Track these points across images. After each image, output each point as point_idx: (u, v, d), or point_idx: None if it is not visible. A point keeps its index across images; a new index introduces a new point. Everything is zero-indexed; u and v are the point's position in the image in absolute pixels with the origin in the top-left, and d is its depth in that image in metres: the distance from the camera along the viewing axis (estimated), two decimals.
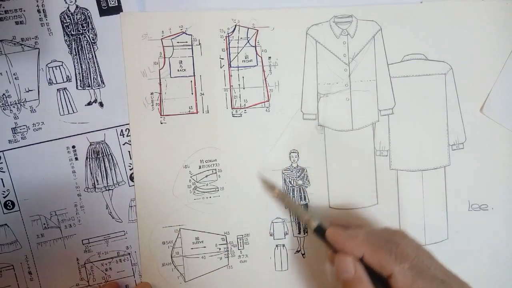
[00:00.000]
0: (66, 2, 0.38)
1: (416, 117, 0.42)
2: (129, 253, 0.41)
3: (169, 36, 0.40)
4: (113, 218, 0.41)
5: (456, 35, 0.43)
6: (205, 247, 0.41)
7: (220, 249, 0.41)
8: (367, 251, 0.34)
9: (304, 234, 0.42)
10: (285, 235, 0.42)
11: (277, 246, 0.42)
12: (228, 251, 0.41)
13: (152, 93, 0.40)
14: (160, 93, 0.40)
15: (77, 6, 0.39)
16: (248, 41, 0.41)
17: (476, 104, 0.43)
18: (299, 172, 0.42)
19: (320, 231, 0.37)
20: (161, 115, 0.40)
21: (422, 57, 0.42)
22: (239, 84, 0.41)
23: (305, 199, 0.42)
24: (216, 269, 0.42)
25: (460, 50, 0.43)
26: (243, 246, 0.42)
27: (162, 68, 0.40)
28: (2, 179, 0.39)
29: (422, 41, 0.42)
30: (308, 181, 0.42)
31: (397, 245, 0.33)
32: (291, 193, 0.42)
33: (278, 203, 0.41)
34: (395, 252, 0.33)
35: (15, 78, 0.38)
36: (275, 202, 0.41)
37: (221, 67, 0.41)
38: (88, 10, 0.39)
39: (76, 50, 0.39)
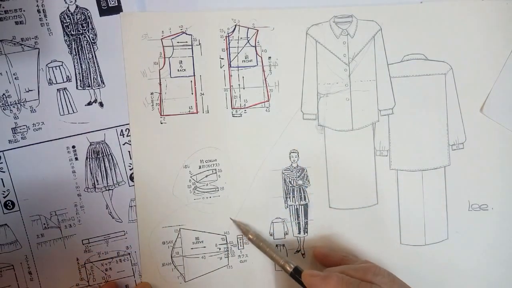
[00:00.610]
0: (66, 2, 0.39)
1: (416, 117, 0.43)
2: (129, 253, 0.42)
3: (169, 36, 0.41)
4: (113, 218, 0.41)
5: (456, 35, 0.43)
6: (205, 247, 0.42)
7: (220, 249, 0.42)
8: None
9: (304, 234, 0.43)
10: (285, 235, 0.43)
11: (277, 246, 0.43)
12: (228, 251, 0.42)
13: (152, 93, 0.41)
14: (160, 93, 0.41)
15: (77, 6, 0.39)
16: (248, 41, 0.42)
17: (476, 104, 0.44)
18: (299, 172, 0.43)
19: (296, 274, 0.38)
20: (161, 115, 0.41)
21: (422, 57, 0.43)
22: (239, 84, 0.42)
23: (305, 199, 0.43)
24: (216, 269, 0.42)
25: (460, 50, 0.43)
26: (243, 246, 0.42)
27: (162, 68, 0.41)
28: (2, 179, 0.40)
29: (422, 41, 0.43)
30: (308, 181, 0.43)
31: (370, 285, 0.34)
32: (291, 193, 0.43)
33: (253, 246, 0.42)
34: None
35: (15, 78, 0.39)
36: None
37: (221, 67, 0.42)
38: (88, 10, 0.39)
39: (76, 50, 0.40)
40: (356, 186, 0.43)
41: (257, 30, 0.42)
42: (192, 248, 0.42)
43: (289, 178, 0.43)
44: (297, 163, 0.43)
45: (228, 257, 0.42)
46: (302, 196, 0.43)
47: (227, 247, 0.42)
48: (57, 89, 0.40)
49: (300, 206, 0.43)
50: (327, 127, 0.43)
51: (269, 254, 0.40)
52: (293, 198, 0.43)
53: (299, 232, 0.43)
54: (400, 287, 0.35)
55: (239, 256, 0.43)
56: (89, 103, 0.40)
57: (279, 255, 0.40)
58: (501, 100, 0.44)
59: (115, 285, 0.42)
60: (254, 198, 0.42)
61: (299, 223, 0.43)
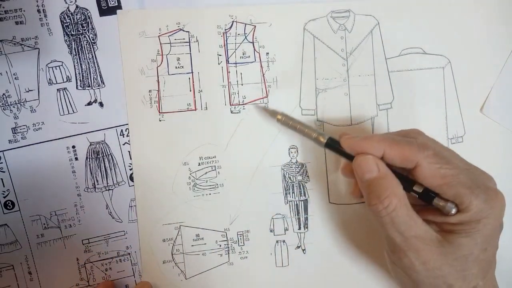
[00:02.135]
0: (66, 2, 0.42)
1: (415, 111, 0.46)
2: (129, 253, 0.45)
3: (166, 33, 0.43)
4: (113, 218, 0.44)
5: (454, 28, 0.47)
6: (205, 244, 0.45)
7: (220, 245, 0.45)
8: (387, 147, 0.35)
9: (305, 229, 0.46)
10: (285, 231, 0.46)
11: (277, 242, 0.46)
12: (228, 247, 0.45)
13: (150, 91, 0.44)
14: (158, 91, 0.44)
15: (77, 6, 0.42)
16: (245, 37, 0.45)
17: (475, 98, 0.47)
18: (299, 168, 0.46)
19: (332, 144, 0.39)
20: (159, 112, 0.44)
21: (419, 51, 0.46)
22: (237, 81, 0.45)
23: (304, 194, 0.46)
24: (216, 265, 0.45)
25: (459, 44, 0.47)
26: (244, 243, 0.46)
27: (160, 65, 0.44)
28: (2, 179, 0.42)
29: (419, 35, 0.46)
30: (308, 176, 0.46)
31: (416, 138, 0.36)
32: (290, 189, 0.46)
33: (283, 128, 0.43)
34: (416, 143, 0.35)
35: (15, 78, 0.42)
36: (281, 127, 0.44)
37: (219, 64, 0.45)
38: (88, 10, 0.42)
39: (76, 50, 0.42)
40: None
41: (255, 26, 0.45)
42: (192, 245, 0.45)
43: (288, 174, 0.46)
44: (297, 159, 0.46)
45: (228, 253, 0.45)
46: (302, 192, 0.46)
47: (228, 244, 0.45)
48: (57, 89, 0.42)
49: (300, 201, 0.46)
50: (326, 122, 0.46)
51: (301, 130, 0.41)
52: (293, 194, 0.46)
53: (299, 228, 0.46)
54: (444, 147, 0.36)
55: (239, 252, 0.46)
56: (89, 103, 0.43)
57: (311, 129, 0.41)
58: (501, 100, 0.47)
59: (111, 285, 0.44)
60: (254, 194, 0.45)
61: (299, 218, 0.46)
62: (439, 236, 0.35)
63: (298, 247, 0.47)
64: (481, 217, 0.33)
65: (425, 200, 0.36)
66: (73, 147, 0.43)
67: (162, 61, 0.44)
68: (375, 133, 0.39)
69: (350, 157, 0.38)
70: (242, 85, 0.45)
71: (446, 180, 0.34)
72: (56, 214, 0.44)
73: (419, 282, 0.35)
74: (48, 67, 0.42)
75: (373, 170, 0.36)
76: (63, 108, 0.43)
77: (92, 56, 0.43)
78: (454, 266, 0.34)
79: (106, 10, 0.43)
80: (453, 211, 0.34)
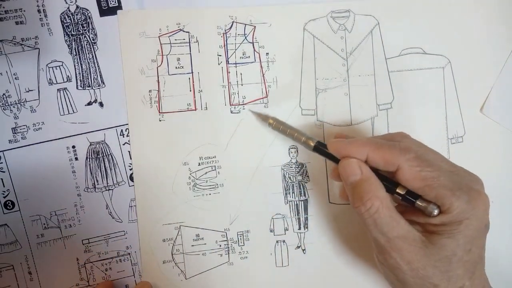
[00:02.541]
0: (66, 2, 0.42)
1: (415, 111, 0.47)
2: (129, 253, 0.45)
3: (167, 33, 0.44)
4: (113, 218, 0.45)
5: (454, 28, 0.47)
6: (205, 244, 0.45)
7: (220, 245, 0.46)
8: (371, 150, 0.36)
9: (305, 229, 0.47)
10: (285, 231, 0.46)
11: (277, 242, 0.46)
12: (228, 247, 0.46)
13: (150, 91, 0.44)
14: (158, 91, 0.44)
15: (77, 6, 0.42)
16: (245, 37, 0.45)
17: (475, 98, 0.48)
18: (299, 168, 0.46)
19: (320, 147, 0.40)
20: (159, 112, 0.44)
21: (419, 51, 0.47)
22: (237, 81, 0.45)
23: (304, 194, 0.46)
24: (216, 265, 0.46)
25: (459, 44, 0.47)
26: (244, 243, 0.46)
27: (160, 65, 0.44)
28: (2, 179, 0.43)
29: (419, 35, 0.47)
30: (308, 176, 0.46)
31: (399, 141, 0.37)
32: (290, 189, 0.46)
33: (275, 132, 0.44)
34: (399, 146, 0.36)
35: (15, 78, 0.42)
36: (271, 131, 0.44)
37: (219, 64, 0.45)
38: (88, 10, 0.42)
39: (76, 50, 0.43)
40: None
41: (254, 27, 0.45)
42: (192, 245, 0.45)
43: (288, 174, 0.46)
44: (297, 159, 0.46)
45: (228, 254, 0.46)
46: (302, 192, 0.47)
47: (228, 244, 0.46)
48: (57, 89, 0.43)
49: (300, 201, 0.46)
50: (326, 123, 0.46)
51: (291, 134, 0.42)
52: (293, 194, 0.46)
53: (299, 228, 0.47)
54: (429, 149, 0.37)
55: (239, 252, 0.46)
56: (89, 103, 0.43)
57: (300, 133, 0.42)
58: (501, 100, 0.47)
59: (111, 285, 0.45)
60: (254, 194, 0.46)
61: (299, 218, 0.47)
62: (423, 237, 0.35)
63: (298, 247, 0.47)
64: (463, 218, 0.34)
65: (408, 202, 0.37)
66: (73, 147, 0.44)
67: (162, 61, 0.44)
68: (360, 137, 0.40)
69: (337, 161, 0.39)
70: (242, 85, 0.46)
71: (427, 182, 0.35)
72: (56, 214, 0.44)
73: (406, 282, 0.35)
74: (48, 67, 0.43)
75: (357, 173, 0.37)
76: (63, 108, 0.43)
77: (92, 56, 0.43)
78: (438, 267, 0.34)
79: (107, 10, 0.43)
80: (435, 212, 0.35)
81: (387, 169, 0.36)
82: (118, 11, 0.43)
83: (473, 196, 0.34)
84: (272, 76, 0.46)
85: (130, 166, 0.45)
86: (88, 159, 0.44)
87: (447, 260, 0.34)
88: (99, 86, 0.44)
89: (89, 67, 0.43)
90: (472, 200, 0.34)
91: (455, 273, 0.34)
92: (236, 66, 0.46)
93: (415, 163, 0.35)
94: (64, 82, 0.43)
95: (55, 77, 0.43)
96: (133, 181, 0.45)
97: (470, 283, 0.35)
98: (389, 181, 0.37)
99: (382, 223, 0.35)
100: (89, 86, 0.44)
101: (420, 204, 0.36)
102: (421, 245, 0.35)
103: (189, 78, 0.45)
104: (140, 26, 0.44)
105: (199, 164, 0.45)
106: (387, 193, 0.36)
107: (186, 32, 0.45)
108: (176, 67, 0.45)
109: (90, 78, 0.43)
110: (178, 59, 0.45)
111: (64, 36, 0.43)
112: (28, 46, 0.42)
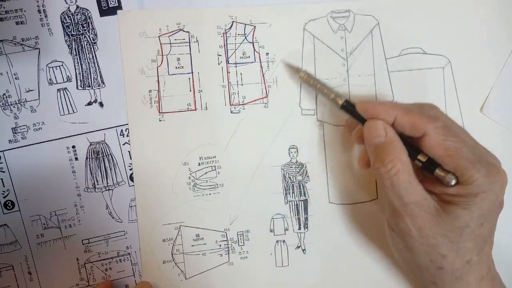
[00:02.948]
0: (66, 3, 0.42)
1: None
2: (129, 253, 0.45)
3: (166, 33, 0.44)
4: (113, 218, 0.45)
5: (454, 28, 0.47)
6: (205, 244, 0.46)
7: (220, 245, 0.46)
8: (399, 113, 0.37)
9: (305, 229, 0.47)
10: (285, 231, 0.47)
11: (277, 242, 0.47)
12: (228, 247, 0.46)
13: (150, 91, 0.44)
14: (158, 91, 0.44)
15: (77, 7, 0.42)
16: (245, 37, 0.45)
17: (475, 98, 0.48)
18: (299, 168, 0.47)
19: (348, 106, 0.41)
20: (159, 112, 0.44)
21: (419, 51, 0.47)
22: (237, 81, 0.45)
23: (304, 194, 0.47)
24: (216, 265, 0.46)
25: (459, 44, 0.47)
26: (244, 243, 0.46)
27: (160, 65, 0.44)
28: (2, 179, 0.43)
29: (419, 35, 0.47)
30: (308, 176, 0.47)
31: (429, 110, 0.38)
32: (290, 189, 0.47)
33: (305, 85, 0.45)
34: (428, 113, 0.37)
35: (16, 78, 0.42)
36: (303, 84, 0.46)
37: (219, 64, 0.45)
38: (88, 10, 0.43)
39: (77, 50, 0.43)
40: (356, 180, 0.47)
41: (254, 27, 0.45)
42: (192, 245, 0.46)
43: (288, 174, 0.46)
44: (297, 159, 0.46)
45: (228, 254, 0.46)
46: (302, 192, 0.47)
47: (228, 244, 0.46)
48: (57, 89, 0.43)
49: (300, 201, 0.47)
50: (326, 122, 0.46)
51: (320, 89, 0.43)
52: (293, 194, 0.47)
53: (299, 228, 0.47)
54: (456, 124, 0.38)
55: (239, 252, 0.46)
56: (89, 103, 0.44)
57: (330, 90, 0.42)
58: (501, 100, 0.48)
59: (110, 285, 0.45)
60: (254, 194, 0.46)
61: (299, 218, 0.47)
62: (437, 205, 0.36)
63: (298, 247, 0.47)
64: (479, 191, 0.35)
65: (428, 170, 0.37)
66: (73, 147, 0.44)
67: (162, 61, 0.45)
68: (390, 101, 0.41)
69: (363, 121, 0.40)
70: (242, 85, 0.46)
71: (449, 151, 0.36)
72: (56, 214, 0.44)
73: (413, 249, 0.36)
74: (49, 67, 0.43)
75: (381, 135, 0.37)
76: (63, 108, 0.44)
77: (93, 56, 0.44)
78: (448, 237, 0.35)
79: (107, 11, 0.43)
80: (453, 182, 0.36)
81: (413, 134, 0.37)
82: (118, 11, 0.43)
83: (492, 171, 0.35)
84: (272, 76, 0.46)
85: (130, 166, 0.45)
86: (88, 159, 0.44)
87: (458, 231, 0.35)
88: (99, 86, 0.44)
89: (89, 67, 0.44)
90: (490, 175, 0.35)
91: (464, 245, 0.35)
92: (236, 66, 0.46)
93: (441, 132, 0.36)
94: (64, 82, 0.43)
95: (55, 77, 0.43)
96: (133, 181, 0.45)
97: (478, 258, 0.36)
98: (412, 146, 0.38)
99: (400, 187, 0.36)
100: (89, 86, 0.44)
101: (439, 172, 0.37)
102: (435, 213, 0.35)
103: (189, 78, 0.45)
104: (140, 26, 0.44)
105: (199, 164, 0.46)
106: (408, 158, 0.37)
107: (186, 32, 0.45)
108: (176, 67, 0.45)
109: (90, 78, 0.44)
110: (178, 59, 0.45)
111: (64, 36, 0.43)
112: (28, 46, 0.42)
